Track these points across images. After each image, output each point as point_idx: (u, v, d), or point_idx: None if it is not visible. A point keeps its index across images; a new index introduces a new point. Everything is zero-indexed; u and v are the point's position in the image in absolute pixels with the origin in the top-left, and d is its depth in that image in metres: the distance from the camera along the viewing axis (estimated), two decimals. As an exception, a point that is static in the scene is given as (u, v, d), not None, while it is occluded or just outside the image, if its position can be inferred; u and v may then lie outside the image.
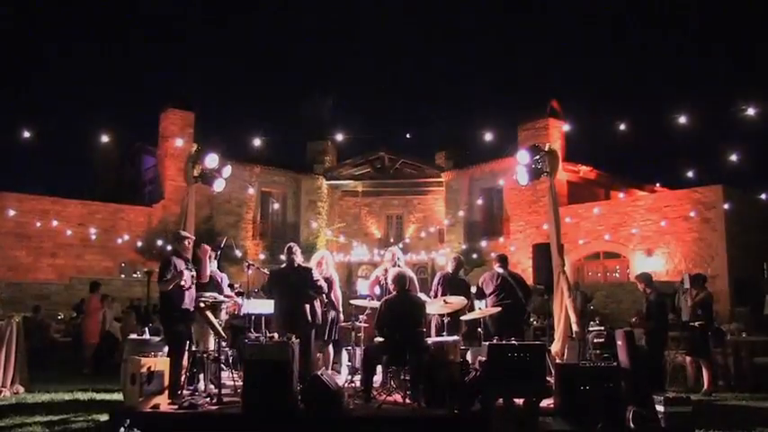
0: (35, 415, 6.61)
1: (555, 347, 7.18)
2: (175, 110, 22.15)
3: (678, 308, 9.97)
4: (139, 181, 25.57)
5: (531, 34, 73.74)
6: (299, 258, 7.20)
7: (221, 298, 6.96)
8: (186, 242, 6.86)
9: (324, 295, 7.24)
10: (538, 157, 7.71)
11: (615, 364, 6.07)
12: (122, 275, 19.88)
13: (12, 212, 17.90)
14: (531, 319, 11.45)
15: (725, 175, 17.48)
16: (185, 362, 6.92)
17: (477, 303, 8.14)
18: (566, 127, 16.12)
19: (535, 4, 69.97)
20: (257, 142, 13.00)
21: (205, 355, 6.83)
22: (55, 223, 18.51)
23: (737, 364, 9.59)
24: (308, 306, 6.92)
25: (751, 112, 9.69)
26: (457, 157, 25.67)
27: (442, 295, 7.54)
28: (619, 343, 6.37)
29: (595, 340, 7.23)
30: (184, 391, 6.61)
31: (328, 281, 7.54)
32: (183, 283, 6.57)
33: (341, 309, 7.88)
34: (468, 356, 7.62)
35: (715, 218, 17.79)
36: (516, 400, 6.00)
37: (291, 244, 7.38)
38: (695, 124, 10.84)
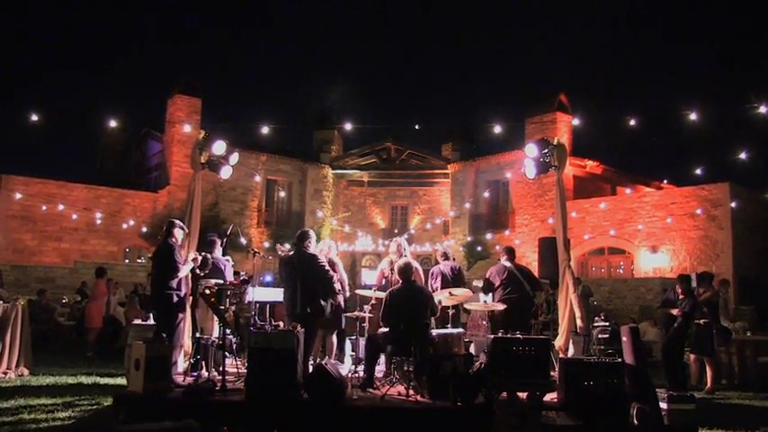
0: (40, 397, 6.65)
1: (559, 342, 7.16)
2: (183, 96, 22.10)
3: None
4: (145, 166, 25.57)
5: (541, 27, 73.34)
6: (310, 246, 7.08)
7: (225, 285, 6.93)
8: (177, 232, 6.81)
9: (332, 285, 7.11)
10: (546, 150, 7.64)
11: (620, 359, 6.05)
12: (126, 261, 19.93)
13: (18, 196, 17.96)
14: (540, 314, 11.42)
15: (733, 172, 17.40)
16: (189, 348, 6.94)
17: (482, 297, 8.14)
18: (575, 121, 16.02)
19: (545, -3, 69.55)
20: (265, 130, 12.97)
21: (209, 342, 6.83)
22: (60, 207, 18.55)
23: (742, 362, 9.56)
24: (310, 296, 6.82)
25: (762, 110, 9.58)
26: (463, 148, 25.61)
27: (439, 288, 7.60)
28: (623, 339, 6.34)
29: (600, 335, 7.18)
30: (188, 378, 6.63)
31: (331, 263, 7.48)
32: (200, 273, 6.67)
33: (347, 294, 7.86)
34: (472, 348, 7.63)
35: (721, 216, 17.72)
36: (520, 394, 5.99)
37: (306, 230, 7.30)
38: (704, 121, 10.76)
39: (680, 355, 8.44)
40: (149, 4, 74.90)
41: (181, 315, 6.63)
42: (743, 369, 9.54)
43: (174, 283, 6.51)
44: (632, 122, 11.96)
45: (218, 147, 7.72)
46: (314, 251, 7.15)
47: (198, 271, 6.91)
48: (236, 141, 13.08)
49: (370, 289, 8.00)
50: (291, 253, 7.07)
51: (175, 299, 6.52)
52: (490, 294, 7.81)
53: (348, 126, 16.45)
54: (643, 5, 68.24)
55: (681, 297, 8.42)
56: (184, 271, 6.64)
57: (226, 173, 7.99)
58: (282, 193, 25.13)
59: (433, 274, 8.20)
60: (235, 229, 8.40)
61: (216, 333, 6.96)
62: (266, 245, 22.13)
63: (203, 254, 7.05)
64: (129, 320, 10.97)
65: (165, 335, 6.31)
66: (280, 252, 7.58)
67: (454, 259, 8.67)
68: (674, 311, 8.47)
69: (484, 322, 7.73)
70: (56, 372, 8.72)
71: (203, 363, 6.92)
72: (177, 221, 6.97)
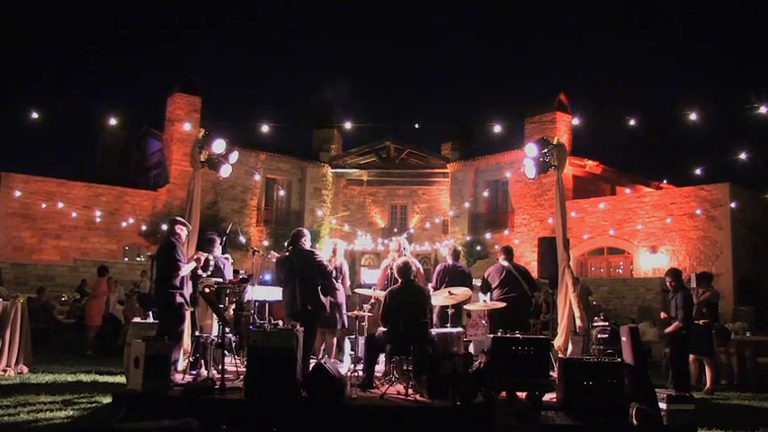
0: (39, 395, 6.64)
1: (558, 342, 7.15)
2: (182, 94, 22.10)
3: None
4: (145, 165, 25.57)
5: (541, 27, 73.33)
6: (306, 244, 7.09)
7: (225, 283, 6.92)
8: (180, 229, 6.81)
9: (331, 280, 7.10)
10: (546, 150, 7.64)
11: (619, 359, 6.05)
12: (126, 259, 19.93)
13: (18, 193, 17.95)
14: (540, 314, 11.39)
15: (733, 172, 17.37)
16: (188, 347, 6.93)
17: (481, 296, 8.13)
18: (574, 121, 16.03)
19: (545, -3, 69.56)
20: (264, 129, 12.98)
21: (208, 341, 6.83)
22: (60, 205, 18.55)
23: (741, 363, 9.55)
24: (310, 293, 6.79)
25: (762, 110, 9.57)
26: (463, 148, 25.63)
27: (444, 286, 7.57)
28: (623, 339, 6.34)
29: (599, 335, 7.17)
30: (187, 376, 6.62)
31: (339, 270, 7.50)
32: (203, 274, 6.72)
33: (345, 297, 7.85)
34: (471, 348, 7.63)
35: (721, 216, 17.72)
36: (519, 394, 5.99)
37: (300, 228, 7.30)
38: (704, 121, 10.76)
39: (686, 354, 8.40)
40: (150, 3, 74.87)
41: (184, 314, 6.62)
42: (742, 369, 9.53)
43: (176, 282, 6.48)
44: (632, 122, 11.95)
45: (218, 145, 7.72)
46: (311, 249, 7.12)
47: (200, 272, 6.89)
48: (236, 140, 13.08)
49: (370, 288, 8.00)
50: (287, 253, 7.04)
51: (179, 298, 6.49)
52: (489, 294, 7.81)
53: (348, 125, 16.46)
54: (643, 5, 68.26)
55: (671, 290, 8.41)
56: (186, 270, 6.61)
57: (225, 171, 7.98)
58: (282, 192, 25.14)
59: (445, 272, 8.04)
60: (234, 228, 8.38)
61: (215, 332, 6.96)
62: (266, 243, 22.13)
63: (206, 255, 7.02)
64: (128, 319, 10.98)
65: (167, 334, 6.30)
66: (273, 260, 7.57)
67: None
68: (663, 315, 8.49)
69: (483, 321, 7.73)
70: (55, 370, 8.72)
71: (202, 361, 6.93)
72: (180, 218, 6.96)
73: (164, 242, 6.77)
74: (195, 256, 6.87)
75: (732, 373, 9.61)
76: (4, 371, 8.19)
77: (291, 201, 25.53)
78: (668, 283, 8.53)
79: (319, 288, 6.78)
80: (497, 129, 12.88)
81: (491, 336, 6.39)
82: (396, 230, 24.39)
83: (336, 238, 8.76)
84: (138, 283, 14.87)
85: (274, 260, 7.49)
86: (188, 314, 6.82)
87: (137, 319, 8.42)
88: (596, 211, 20.56)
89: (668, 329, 8.28)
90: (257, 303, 7.51)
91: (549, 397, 6.03)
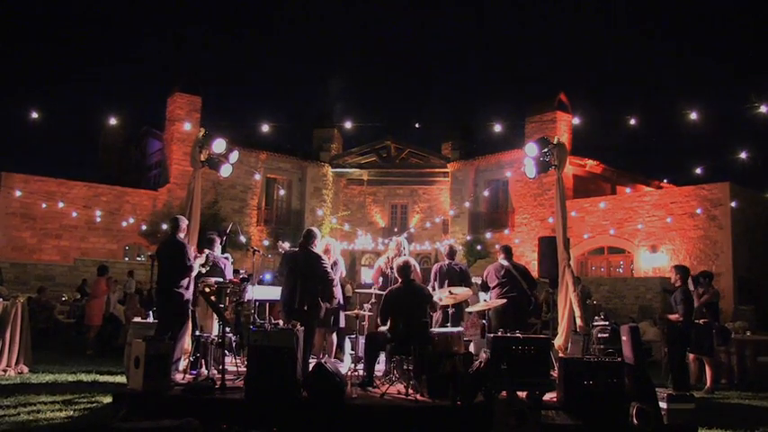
0: (39, 395, 6.64)
1: (558, 341, 7.15)
2: (183, 94, 22.11)
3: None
4: (145, 164, 25.57)
5: (542, 27, 73.33)
6: (315, 246, 7.09)
7: (225, 283, 6.93)
8: (185, 228, 6.84)
9: (332, 290, 7.10)
10: (546, 149, 7.64)
11: (619, 359, 6.05)
12: (126, 258, 19.93)
13: (18, 193, 17.95)
14: (541, 313, 11.35)
15: (733, 172, 17.38)
16: (188, 347, 6.93)
17: (482, 296, 8.12)
18: (575, 120, 16.02)
19: (546, -4, 69.59)
20: (265, 128, 12.97)
21: (208, 340, 6.83)
22: (60, 205, 18.55)
23: (741, 362, 9.55)
24: (308, 295, 6.80)
25: (762, 110, 9.56)
26: (463, 147, 25.63)
27: (441, 286, 7.56)
28: (623, 338, 6.34)
29: (600, 335, 7.17)
30: (187, 376, 6.63)
31: (334, 265, 7.49)
32: (203, 270, 6.74)
33: (343, 295, 7.83)
34: (472, 348, 7.62)
35: (721, 215, 17.72)
36: (519, 394, 5.98)
37: (313, 229, 7.33)
38: (704, 121, 10.75)
39: (686, 353, 8.38)
40: (150, 2, 74.88)
41: (186, 313, 6.64)
42: (742, 369, 9.53)
43: (184, 282, 6.52)
44: (632, 122, 11.95)
45: (218, 145, 7.71)
46: (318, 251, 7.13)
47: (201, 269, 6.91)
48: (236, 139, 13.13)
49: (370, 288, 7.99)
50: (297, 249, 7.06)
51: (185, 297, 6.53)
52: (489, 293, 7.80)
53: (348, 124, 16.44)
54: (643, 4, 68.24)
55: (677, 285, 8.38)
56: (195, 270, 6.64)
57: (226, 171, 7.98)
58: (282, 192, 25.14)
59: (443, 271, 7.97)
60: (234, 228, 8.39)
61: (215, 331, 6.96)
62: (266, 243, 22.14)
63: (206, 251, 7.05)
64: (128, 318, 10.98)
65: (170, 333, 6.29)
66: (281, 249, 7.57)
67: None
68: (672, 317, 8.45)
69: (483, 321, 7.72)
70: (55, 370, 8.72)
71: (203, 361, 6.92)
72: (183, 217, 6.97)
73: (171, 241, 6.72)
74: (196, 255, 6.88)
75: (732, 372, 9.60)
76: (5, 371, 8.19)
77: (292, 200, 25.53)
78: (673, 279, 8.48)
79: (319, 293, 6.80)
80: (498, 128, 12.87)
81: (491, 335, 6.38)
82: (396, 230, 24.40)
83: (330, 238, 8.72)
84: (125, 284, 14.81)
85: (282, 251, 7.49)
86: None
87: (137, 319, 8.42)
88: (596, 210, 20.56)
89: (670, 316, 8.25)
90: (257, 303, 7.52)
91: (549, 396, 6.03)
